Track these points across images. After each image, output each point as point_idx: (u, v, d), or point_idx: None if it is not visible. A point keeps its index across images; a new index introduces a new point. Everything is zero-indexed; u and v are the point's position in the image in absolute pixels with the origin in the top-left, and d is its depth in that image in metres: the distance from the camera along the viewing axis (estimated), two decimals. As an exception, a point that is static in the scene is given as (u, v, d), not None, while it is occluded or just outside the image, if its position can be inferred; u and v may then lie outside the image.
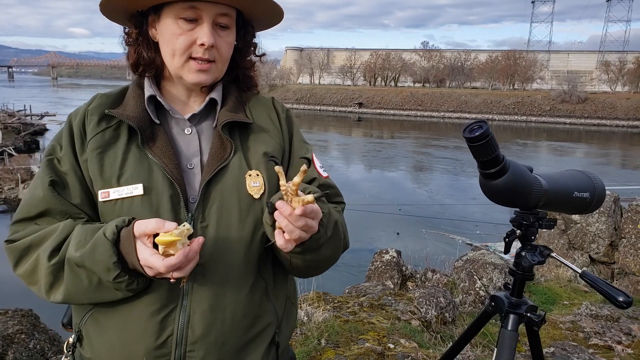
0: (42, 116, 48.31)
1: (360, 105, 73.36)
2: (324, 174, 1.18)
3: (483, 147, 1.13)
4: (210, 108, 1.13)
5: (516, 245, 1.39)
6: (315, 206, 0.92)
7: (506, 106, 65.83)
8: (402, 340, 3.17)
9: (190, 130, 1.10)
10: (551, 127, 59.58)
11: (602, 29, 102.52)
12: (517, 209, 1.32)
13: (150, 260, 0.91)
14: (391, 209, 19.66)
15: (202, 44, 1.03)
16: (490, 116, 65.16)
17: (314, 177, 1.15)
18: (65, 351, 1.13)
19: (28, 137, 39.87)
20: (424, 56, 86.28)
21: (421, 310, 3.83)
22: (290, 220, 0.90)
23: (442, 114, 68.94)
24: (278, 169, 0.91)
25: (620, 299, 1.13)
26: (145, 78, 1.12)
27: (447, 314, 3.94)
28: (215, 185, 1.04)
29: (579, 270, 1.22)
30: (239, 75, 1.19)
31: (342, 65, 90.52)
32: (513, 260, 1.38)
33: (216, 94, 1.13)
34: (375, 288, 4.29)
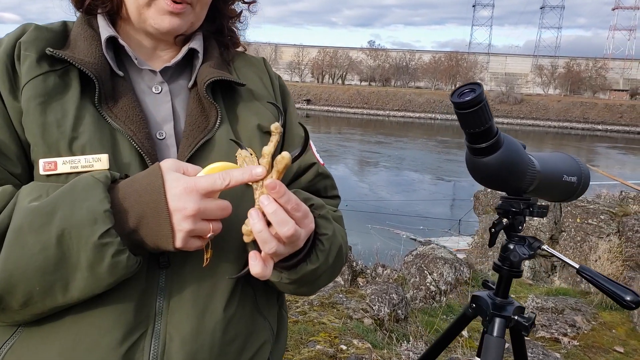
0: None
1: (309, 102, 73.31)
2: (321, 161, 0.93)
3: (474, 115, 0.92)
4: (185, 62, 0.85)
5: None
6: (294, 197, 0.68)
7: (448, 106, 67.82)
8: (355, 341, 2.99)
9: (160, 89, 0.81)
10: (489, 126, 61.99)
11: (536, 35, 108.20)
12: (504, 194, 1.13)
13: (204, 181, 0.65)
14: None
15: None
16: (433, 115, 67.05)
17: (312, 162, 0.90)
18: None
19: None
20: (370, 55, 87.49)
21: (373, 307, 3.67)
22: (271, 216, 0.66)
23: (387, 112, 70.12)
24: (244, 154, 0.65)
25: (628, 299, 0.97)
26: (99, 15, 0.82)
27: (399, 311, 3.81)
28: (198, 164, 0.76)
29: (576, 266, 1.05)
30: (221, 27, 0.91)
31: (290, 62, 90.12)
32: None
33: (197, 44, 0.85)
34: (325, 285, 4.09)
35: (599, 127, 61.24)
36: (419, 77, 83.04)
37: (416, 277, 4.85)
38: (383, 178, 27.17)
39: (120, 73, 0.78)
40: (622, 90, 77.35)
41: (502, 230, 1.15)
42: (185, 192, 0.64)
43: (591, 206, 5.86)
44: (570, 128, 61.45)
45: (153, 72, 0.81)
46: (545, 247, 1.11)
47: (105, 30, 0.79)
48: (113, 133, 0.74)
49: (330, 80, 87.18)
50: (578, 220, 6.12)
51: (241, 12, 0.95)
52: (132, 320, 0.71)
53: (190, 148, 0.76)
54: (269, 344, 0.85)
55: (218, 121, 0.80)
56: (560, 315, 4.35)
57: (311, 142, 0.94)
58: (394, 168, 30.17)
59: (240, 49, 0.96)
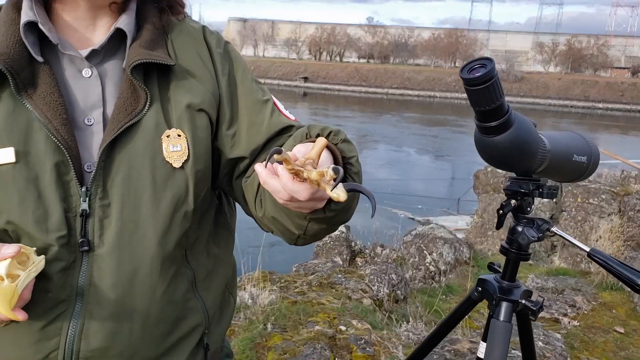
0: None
1: (306, 79, 72.67)
2: (292, 117, 0.89)
3: (485, 92, 0.87)
4: (118, 41, 0.81)
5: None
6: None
7: (448, 84, 67.38)
8: (354, 322, 2.98)
9: (90, 72, 0.79)
10: (489, 105, 61.52)
11: (537, 11, 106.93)
12: (512, 175, 1.09)
13: None
14: (336, 184, 19.52)
15: None
16: (433, 93, 66.62)
17: (285, 125, 0.86)
18: None
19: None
20: (368, 32, 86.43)
21: (373, 288, 3.66)
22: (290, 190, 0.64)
23: (385, 90, 69.60)
24: (280, 156, 0.60)
25: (642, 284, 0.93)
26: None
27: (399, 292, 3.80)
28: (120, 149, 0.77)
29: (587, 249, 1.01)
30: None
31: (287, 38, 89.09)
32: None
33: (125, 22, 0.80)
34: (324, 265, 4.08)
35: (600, 105, 60.85)
36: (418, 55, 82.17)
37: (415, 257, 4.85)
38: (380, 157, 27.10)
39: (40, 59, 0.76)
40: (624, 68, 76.74)
41: (510, 212, 1.11)
42: None
43: (592, 185, 5.82)
44: (571, 106, 61.03)
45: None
46: (554, 229, 1.07)
47: (25, 14, 0.76)
48: (30, 121, 0.74)
49: (328, 58, 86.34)
50: (579, 199, 6.09)
51: None
52: (50, 299, 0.75)
53: (113, 133, 0.75)
54: (201, 328, 0.87)
55: (148, 103, 0.78)
56: (561, 295, 4.35)
57: (277, 103, 0.90)
58: (391, 147, 30.08)
59: (181, 15, 0.89)
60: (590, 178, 5.96)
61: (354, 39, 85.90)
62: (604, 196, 5.48)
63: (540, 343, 2.78)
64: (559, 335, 2.91)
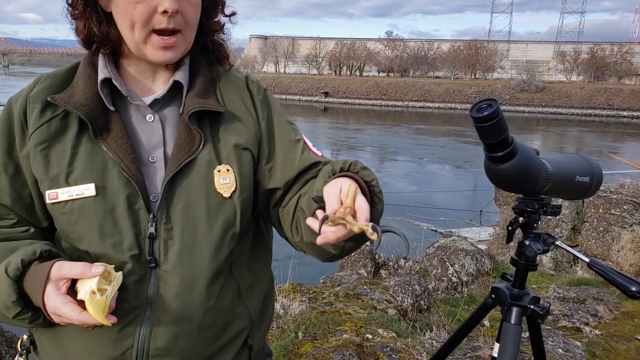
0: (-8, 104, 45.89)
1: (326, 94, 73.17)
2: (319, 153, 1.06)
3: (492, 128, 1.04)
4: (175, 90, 0.98)
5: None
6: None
7: (468, 95, 67.01)
8: (380, 330, 3.11)
9: (153, 118, 0.96)
10: (511, 115, 60.83)
11: (558, 20, 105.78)
12: (520, 195, 1.25)
13: (62, 309, 0.81)
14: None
15: (165, 11, 0.88)
16: (453, 105, 66.32)
17: (313, 161, 1.02)
18: (20, 349, 1.03)
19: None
20: (388, 46, 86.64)
21: (397, 298, 3.79)
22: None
23: (406, 103, 69.59)
24: (329, 219, 0.81)
25: (634, 289, 1.08)
26: (100, 55, 0.96)
27: (422, 302, 3.92)
28: (180, 182, 0.92)
29: (587, 260, 1.16)
30: (207, 44, 1.03)
31: (308, 54, 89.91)
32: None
33: (181, 75, 0.98)
34: (350, 277, 4.23)
35: (625, 113, 59.63)
36: (437, 67, 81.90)
37: (438, 269, 4.95)
38: (402, 169, 27.07)
39: (112, 108, 0.93)
40: (649, 75, 75.04)
41: (519, 228, 1.27)
42: (54, 309, 0.82)
43: (614, 196, 5.84)
44: (595, 115, 59.99)
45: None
46: (558, 242, 1.22)
47: (102, 71, 0.94)
48: (105, 160, 0.90)
49: (348, 72, 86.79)
50: (600, 210, 6.11)
51: (224, 25, 1.05)
52: (126, 307, 0.89)
53: (174, 168, 0.91)
54: (246, 331, 1.02)
55: (202, 144, 0.94)
56: (582, 305, 4.39)
57: (307, 141, 1.06)
58: (412, 159, 30.01)
59: (226, 66, 1.07)
60: (612, 189, 5.99)
61: (373, 53, 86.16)
62: (625, 207, 5.51)
63: (560, 350, 2.88)
64: (579, 343, 2.99)
